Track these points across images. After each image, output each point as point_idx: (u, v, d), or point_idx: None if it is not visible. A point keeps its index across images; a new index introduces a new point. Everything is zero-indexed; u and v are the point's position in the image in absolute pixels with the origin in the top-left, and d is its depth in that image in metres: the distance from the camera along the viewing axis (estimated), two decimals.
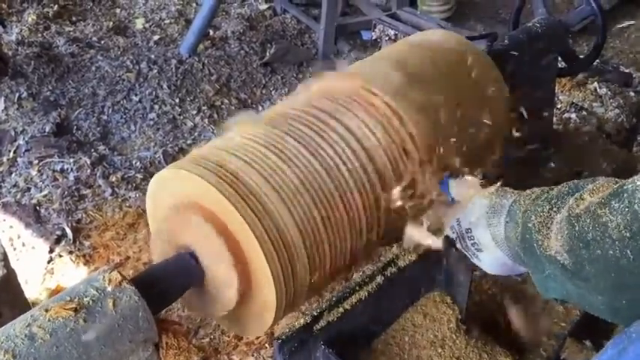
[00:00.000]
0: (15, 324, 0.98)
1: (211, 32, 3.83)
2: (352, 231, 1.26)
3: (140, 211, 2.60)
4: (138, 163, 2.89)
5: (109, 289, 1.03)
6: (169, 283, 1.16)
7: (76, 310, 0.99)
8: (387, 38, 2.48)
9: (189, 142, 3.07)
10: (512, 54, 1.75)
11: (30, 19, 3.79)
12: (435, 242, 1.26)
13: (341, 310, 1.24)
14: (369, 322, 1.33)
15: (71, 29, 3.82)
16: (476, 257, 1.21)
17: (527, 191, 1.12)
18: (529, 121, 1.83)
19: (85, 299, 1.01)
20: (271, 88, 3.54)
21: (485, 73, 1.56)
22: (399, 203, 1.34)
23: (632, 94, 2.48)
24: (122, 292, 1.03)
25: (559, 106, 2.41)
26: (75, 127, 3.07)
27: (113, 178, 2.78)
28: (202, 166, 1.18)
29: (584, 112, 2.37)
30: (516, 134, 1.65)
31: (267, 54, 3.68)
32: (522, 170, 2.00)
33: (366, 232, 1.30)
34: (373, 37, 2.56)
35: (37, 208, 2.62)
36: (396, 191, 1.32)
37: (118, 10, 4.13)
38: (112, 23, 3.92)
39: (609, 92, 2.42)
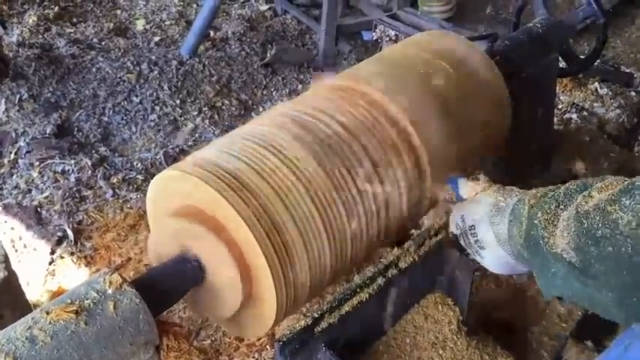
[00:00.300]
0: (16, 326, 0.98)
1: (212, 33, 3.83)
2: (352, 235, 1.26)
3: (141, 212, 2.60)
4: (139, 165, 2.89)
5: (110, 291, 1.03)
6: (170, 286, 1.16)
7: (76, 312, 0.99)
8: (387, 39, 2.48)
9: (190, 143, 3.07)
10: (513, 54, 1.75)
11: (30, 21, 3.79)
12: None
13: (342, 311, 1.24)
14: (370, 323, 1.33)
15: (72, 30, 3.82)
16: (478, 255, 1.22)
17: (533, 190, 1.12)
18: (530, 121, 1.83)
19: (85, 302, 1.01)
20: (272, 89, 3.54)
21: (487, 74, 1.56)
22: (400, 204, 1.34)
23: (632, 94, 2.48)
24: (123, 294, 1.04)
25: (560, 107, 2.41)
26: (76, 129, 3.07)
27: (114, 180, 2.78)
28: (202, 168, 1.18)
29: (585, 113, 2.37)
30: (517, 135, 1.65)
31: (268, 55, 3.68)
32: (523, 170, 2.00)
33: (366, 234, 1.30)
34: (374, 38, 2.57)
35: (38, 209, 2.62)
36: (397, 191, 1.32)
37: (118, 12, 4.13)
38: (112, 24, 3.92)
39: (610, 92, 2.42)
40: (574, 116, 2.37)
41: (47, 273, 2.39)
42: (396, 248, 1.33)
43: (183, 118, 3.23)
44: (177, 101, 3.31)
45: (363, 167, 1.27)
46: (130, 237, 2.52)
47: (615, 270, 0.86)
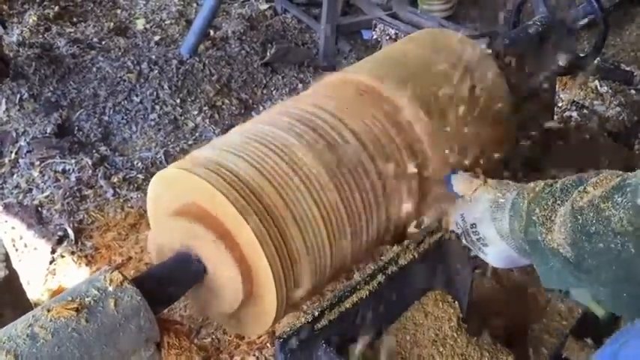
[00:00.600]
0: (17, 324, 0.99)
1: (212, 32, 3.84)
2: (353, 231, 1.26)
3: (142, 211, 2.61)
4: (139, 164, 2.89)
5: (111, 289, 1.04)
6: (171, 284, 1.17)
7: (77, 310, 0.99)
8: (387, 37, 2.48)
9: (190, 142, 3.08)
10: (513, 52, 1.75)
11: (31, 21, 3.79)
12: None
13: (342, 309, 1.24)
14: (370, 321, 1.33)
15: (72, 30, 3.82)
16: (481, 252, 1.23)
17: (531, 184, 1.13)
18: (530, 119, 1.83)
19: (86, 299, 1.01)
20: (272, 88, 3.54)
21: (486, 72, 1.56)
22: (402, 203, 1.34)
23: (633, 92, 2.48)
24: (123, 292, 1.04)
25: (560, 105, 2.41)
26: (76, 128, 3.07)
27: (115, 179, 2.78)
28: (203, 167, 1.18)
29: (585, 111, 2.38)
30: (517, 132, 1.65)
31: (268, 54, 3.68)
32: (523, 169, 2.00)
33: (366, 232, 1.31)
34: (374, 37, 2.57)
35: (39, 209, 2.63)
36: (399, 190, 1.32)
37: (118, 11, 4.13)
38: (112, 24, 3.92)
39: (610, 90, 2.42)
40: (574, 114, 2.37)
41: (48, 272, 2.39)
42: (395, 246, 1.33)
43: (183, 118, 3.24)
44: (178, 100, 3.31)
45: (365, 166, 1.27)
46: (130, 236, 2.52)
47: (606, 265, 0.88)
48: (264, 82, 3.57)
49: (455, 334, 1.38)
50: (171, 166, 1.27)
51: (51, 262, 2.43)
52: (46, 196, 2.68)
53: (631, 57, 3.78)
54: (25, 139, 2.92)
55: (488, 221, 1.17)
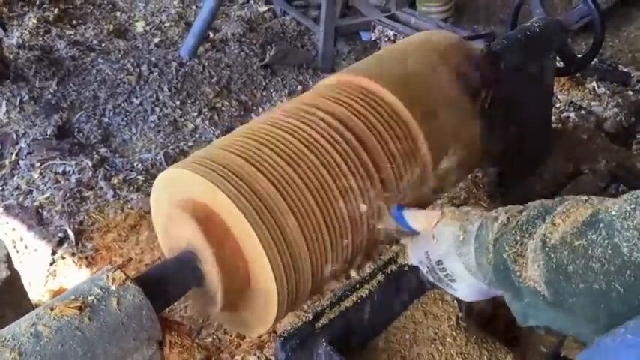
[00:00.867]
0: (20, 322, 1.00)
1: (211, 35, 3.85)
2: (353, 230, 1.27)
3: (142, 212, 2.62)
4: (139, 165, 2.90)
5: (113, 287, 1.04)
6: (172, 282, 1.17)
7: (80, 308, 1.00)
8: (386, 39, 2.49)
9: (190, 144, 3.09)
10: (511, 54, 1.76)
11: (31, 23, 3.80)
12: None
13: (342, 307, 1.25)
14: (370, 319, 1.34)
15: (72, 33, 3.84)
16: (450, 287, 1.17)
17: (493, 213, 1.08)
18: (527, 120, 1.85)
19: (89, 298, 1.02)
20: (271, 90, 3.56)
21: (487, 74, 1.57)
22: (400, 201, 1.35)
23: (630, 93, 2.49)
24: (126, 290, 1.05)
25: (557, 105, 2.42)
26: (76, 130, 3.08)
27: (115, 180, 2.79)
28: (202, 165, 1.19)
29: (583, 111, 2.38)
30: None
31: (267, 56, 3.69)
32: (521, 169, 2.01)
33: (367, 231, 1.31)
34: (373, 38, 2.58)
35: (40, 210, 2.64)
36: (397, 189, 1.33)
37: (118, 14, 4.15)
38: (112, 26, 3.94)
39: (608, 91, 2.42)
40: (572, 115, 2.37)
41: (48, 273, 2.40)
42: (395, 245, 1.34)
43: (183, 119, 3.25)
44: (177, 102, 3.32)
45: (365, 165, 1.28)
46: (130, 237, 2.53)
47: (591, 305, 0.84)
48: (264, 83, 3.58)
49: (454, 333, 1.39)
50: (172, 167, 1.28)
51: (51, 264, 2.44)
52: (47, 198, 2.69)
53: (628, 58, 3.80)
54: (25, 141, 2.93)
55: (454, 257, 1.11)
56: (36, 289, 2.30)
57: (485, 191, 1.88)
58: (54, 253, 2.47)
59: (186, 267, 1.19)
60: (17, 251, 2.45)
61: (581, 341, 0.95)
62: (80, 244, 2.50)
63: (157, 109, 3.27)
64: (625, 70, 2.75)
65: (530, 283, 0.93)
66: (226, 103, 3.39)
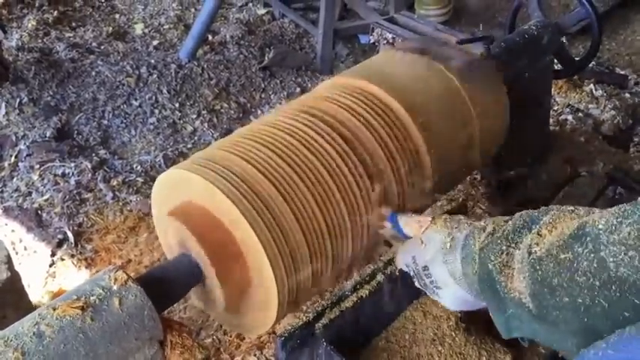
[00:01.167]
0: (23, 322, 1.00)
1: (210, 37, 3.86)
2: (354, 230, 1.28)
3: (141, 214, 2.62)
4: (138, 167, 2.91)
5: (115, 287, 1.05)
6: (173, 283, 1.18)
7: (83, 308, 1.01)
8: (384, 42, 2.50)
9: (189, 145, 3.09)
10: (509, 57, 1.77)
11: (30, 25, 3.81)
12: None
13: (342, 308, 1.26)
14: (370, 319, 1.35)
15: (71, 35, 3.84)
16: (436, 295, 1.17)
17: (481, 223, 1.07)
18: (526, 122, 1.85)
19: (91, 298, 1.03)
20: (270, 92, 3.56)
21: (485, 78, 1.58)
22: (399, 203, 1.36)
23: (627, 95, 2.51)
24: (128, 290, 1.05)
25: (555, 108, 2.43)
26: (76, 132, 3.09)
27: (114, 182, 2.79)
28: (202, 166, 1.19)
29: (581, 114, 2.40)
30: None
31: (266, 58, 3.70)
32: (519, 171, 2.02)
33: (366, 236, 1.32)
34: (371, 41, 2.58)
35: (39, 212, 2.64)
36: (397, 195, 1.34)
37: (117, 16, 4.15)
38: (111, 29, 3.94)
39: (605, 94, 2.44)
40: (569, 117, 2.39)
41: (48, 275, 2.40)
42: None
43: (182, 121, 3.26)
44: (177, 104, 3.33)
45: (365, 165, 1.29)
46: (130, 239, 2.53)
47: (574, 319, 0.83)
48: (263, 86, 3.59)
49: (453, 333, 1.40)
50: (172, 168, 1.29)
51: (51, 265, 2.44)
52: (46, 200, 2.70)
53: (625, 61, 3.81)
54: (24, 143, 2.93)
55: (440, 263, 1.11)
56: (35, 291, 2.30)
57: (483, 193, 1.89)
58: (53, 254, 2.47)
59: (186, 267, 1.19)
60: (16, 253, 2.45)
61: (565, 355, 0.94)
62: (79, 246, 2.51)
63: (156, 111, 3.28)
64: (622, 72, 2.77)
65: (515, 294, 0.92)
66: (225, 105, 3.40)
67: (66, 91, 3.30)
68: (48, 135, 2.98)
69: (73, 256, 2.46)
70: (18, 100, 3.14)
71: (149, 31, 3.97)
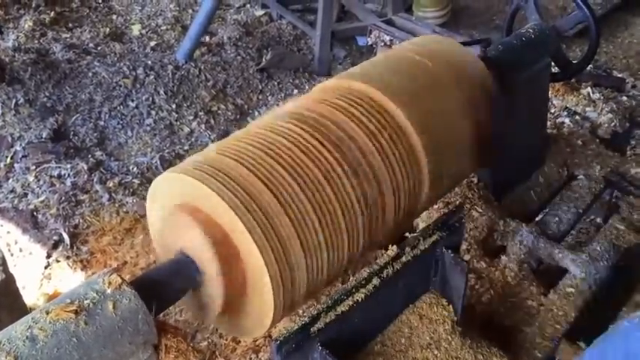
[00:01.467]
0: (16, 326, 0.99)
1: (207, 38, 3.86)
2: (350, 237, 1.27)
3: (137, 216, 2.62)
4: (135, 169, 2.90)
5: (109, 291, 1.04)
6: (168, 286, 1.17)
7: (76, 312, 1.00)
8: (382, 44, 2.50)
9: (186, 147, 3.09)
10: (506, 59, 1.77)
11: (26, 26, 3.80)
12: None
13: (338, 311, 1.25)
14: (365, 323, 1.34)
15: (68, 36, 3.83)
16: None
17: None
18: (523, 125, 1.85)
19: (85, 301, 1.02)
20: (267, 94, 3.56)
21: (483, 79, 1.58)
22: (396, 204, 1.36)
23: (624, 98, 2.50)
24: (122, 294, 1.05)
25: (552, 111, 2.43)
26: (72, 133, 3.08)
27: (110, 184, 2.79)
28: (200, 170, 1.19)
29: (578, 117, 2.39)
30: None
31: (264, 60, 3.70)
32: (517, 174, 2.02)
33: (362, 239, 1.32)
34: (369, 43, 2.58)
35: (35, 213, 2.63)
36: (393, 198, 1.34)
37: (114, 17, 4.15)
38: (108, 29, 3.94)
39: (602, 97, 2.43)
40: (566, 120, 2.38)
41: (43, 277, 2.40)
42: (390, 249, 1.34)
43: (179, 123, 3.25)
44: (173, 106, 3.33)
45: (362, 168, 1.28)
46: (126, 241, 2.53)
47: None
48: (260, 87, 3.59)
49: (449, 337, 1.39)
50: (168, 171, 1.28)
51: (46, 267, 2.43)
52: (42, 201, 2.69)
53: (623, 64, 3.82)
54: (20, 144, 2.93)
55: None
56: (30, 292, 2.30)
57: (480, 196, 1.89)
58: (49, 256, 2.46)
59: (182, 271, 1.19)
60: (11, 254, 2.44)
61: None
62: (75, 248, 2.50)
63: (153, 112, 3.27)
64: (619, 75, 2.77)
65: None
66: (222, 106, 3.39)
67: (62, 92, 3.29)
68: (44, 136, 2.97)
69: (68, 257, 2.46)
70: (14, 100, 3.13)
71: (146, 32, 3.96)
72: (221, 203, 1.13)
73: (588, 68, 2.31)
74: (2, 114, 3.07)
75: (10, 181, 2.79)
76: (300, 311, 1.67)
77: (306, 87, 3.61)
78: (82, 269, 2.41)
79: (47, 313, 1.00)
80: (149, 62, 3.54)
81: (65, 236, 2.53)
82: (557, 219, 1.89)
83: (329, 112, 1.34)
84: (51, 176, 2.80)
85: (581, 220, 1.94)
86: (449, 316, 1.43)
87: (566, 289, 1.62)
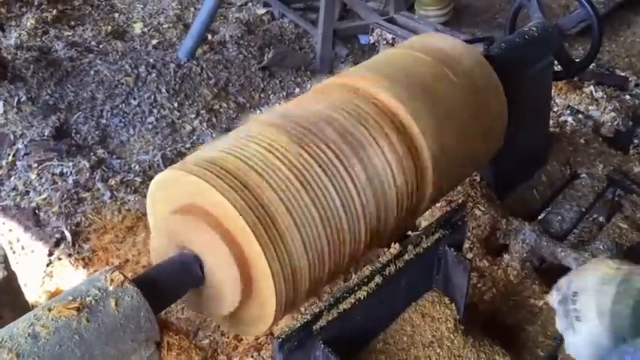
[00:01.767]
0: (18, 323, 0.99)
1: (210, 36, 3.85)
2: (352, 235, 1.27)
3: (139, 214, 2.61)
4: (137, 167, 2.90)
5: (111, 288, 1.04)
6: (170, 283, 1.17)
7: (78, 309, 1.00)
8: (384, 42, 2.50)
9: (187, 145, 3.09)
10: (509, 57, 1.77)
11: (29, 24, 3.80)
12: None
13: (340, 309, 1.25)
14: (368, 321, 1.34)
15: (70, 33, 3.83)
16: (571, 328, 1.18)
17: None
18: (526, 123, 1.85)
19: (87, 299, 1.02)
20: (269, 92, 3.56)
21: (486, 80, 1.58)
22: (397, 203, 1.35)
23: (627, 97, 2.50)
24: (124, 291, 1.05)
25: (555, 109, 2.43)
26: (74, 131, 3.08)
27: (112, 182, 2.79)
28: (200, 166, 1.19)
29: (580, 115, 2.39)
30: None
31: (266, 58, 3.69)
32: (519, 172, 2.01)
33: (364, 237, 1.31)
34: (371, 41, 2.58)
35: (37, 211, 2.63)
36: (396, 197, 1.33)
37: (116, 15, 4.14)
38: (110, 27, 3.93)
39: (605, 95, 2.43)
40: (569, 119, 2.39)
41: (45, 274, 2.40)
42: (393, 247, 1.34)
43: (181, 121, 3.25)
44: (175, 104, 3.32)
45: (363, 165, 1.28)
46: (127, 239, 2.53)
47: None
48: (262, 86, 3.58)
49: (452, 336, 1.39)
50: (169, 168, 1.28)
51: (48, 265, 2.43)
52: (44, 199, 2.69)
53: (625, 62, 3.81)
54: (22, 142, 2.93)
55: (592, 293, 1.12)
56: (32, 290, 2.30)
57: (482, 194, 1.89)
58: (51, 254, 2.46)
59: (185, 268, 1.19)
60: (14, 252, 2.44)
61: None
62: (77, 246, 2.50)
63: (155, 110, 3.27)
64: (622, 74, 2.76)
65: None
66: (224, 105, 3.39)
67: (64, 90, 3.29)
68: (46, 134, 2.97)
69: (70, 255, 2.46)
70: (16, 98, 3.13)
71: (148, 30, 3.96)
72: (221, 200, 1.12)
73: (591, 67, 2.31)
74: (4, 112, 3.07)
75: (12, 178, 2.79)
76: (303, 309, 1.67)
77: (308, 85, 3.61)
78: (83, 267, 2.41)
79: (49, 310, 0.99)
80: (151, 60, 3.54)
81: (67, 234, 2.53)
82: (559, 217, 1.89)
83: (331, 110, 1.33)
84: (53, 174, 2.80)
85: (584, 218, 1.94)
86: (451, 315, 1.43)
87: None
